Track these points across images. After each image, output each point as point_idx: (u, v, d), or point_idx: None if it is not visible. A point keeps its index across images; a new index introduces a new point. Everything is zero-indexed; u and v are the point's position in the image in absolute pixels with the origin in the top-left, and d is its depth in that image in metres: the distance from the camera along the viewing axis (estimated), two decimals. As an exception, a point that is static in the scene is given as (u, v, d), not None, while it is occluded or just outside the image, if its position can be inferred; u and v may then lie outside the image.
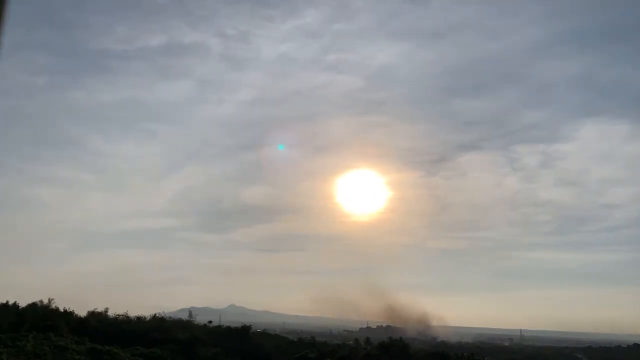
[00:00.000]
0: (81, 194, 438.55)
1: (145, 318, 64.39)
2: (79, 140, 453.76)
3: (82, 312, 63.50)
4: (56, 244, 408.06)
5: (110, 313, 64.25)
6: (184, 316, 71.30)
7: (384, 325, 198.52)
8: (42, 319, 54.72)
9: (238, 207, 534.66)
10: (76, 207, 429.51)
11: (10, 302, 62.63)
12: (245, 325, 63.41)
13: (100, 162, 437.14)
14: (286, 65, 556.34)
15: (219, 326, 69.54)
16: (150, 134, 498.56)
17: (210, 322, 71.28)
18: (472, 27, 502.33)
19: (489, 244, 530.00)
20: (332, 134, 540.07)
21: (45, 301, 62.35)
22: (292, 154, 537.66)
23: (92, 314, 63.02)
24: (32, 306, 61.83)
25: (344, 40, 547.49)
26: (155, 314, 65.92)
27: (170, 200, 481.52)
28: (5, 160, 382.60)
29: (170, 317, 69.48)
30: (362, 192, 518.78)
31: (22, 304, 62.75)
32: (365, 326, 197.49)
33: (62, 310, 61.26)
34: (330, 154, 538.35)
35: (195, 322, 69.10)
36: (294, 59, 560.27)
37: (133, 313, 64.90)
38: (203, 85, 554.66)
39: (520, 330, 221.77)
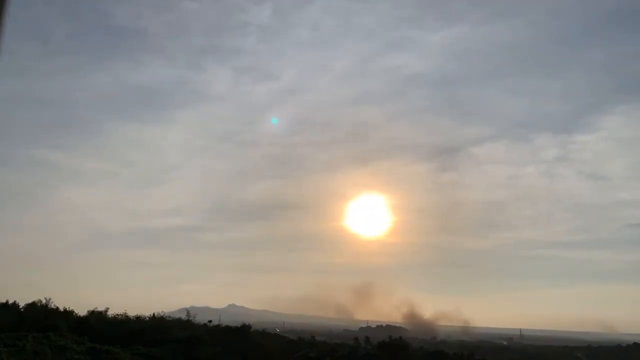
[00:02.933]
0: (88, 187, 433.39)
1: (144, 318, 64.40)
2: (94, 127, 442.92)
3: (81, 312, 63.60)
4: (58, 242, 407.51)
5: (110, 312, 64.32)
6: (184, 316, 71.25)
7: (384, 324, 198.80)
8: (42, 319, 54.72)
9: (242, 204, 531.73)
10: (80, 202, 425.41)
11: (10, 302, 62.70)
12: (244, 324, 63.36)
13: (113, 152, 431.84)
14: (333, 44, 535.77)
15: (219, 325, 69.53)
16: (169, 125, 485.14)
17: (209, 321, 71.28)
18: (503, 13, 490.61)
19: (497, 242, 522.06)
20: (350, 125, 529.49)
21: (45, 301, 62.41)
22: (303, 146, 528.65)
23: (92, 314, 63.04)
24: (32, 306, 61.83)
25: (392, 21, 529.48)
26: (154, 314, 65.98)
27: (175, 198, 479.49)
28: (13, 150, 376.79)
29: (170, 317, 69.45)
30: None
31: (22, 303, 62.83)
32: (365, 326, 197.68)
33: (62, 310, 61.29)
34: (344, 146, 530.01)
35: (195, 322, 69.10)
36: (342, 37, 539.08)
37: (133, 312, 64.97)
38: (242, 68, 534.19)
39: (520, 330, 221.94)
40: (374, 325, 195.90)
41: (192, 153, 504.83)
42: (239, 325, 63.33)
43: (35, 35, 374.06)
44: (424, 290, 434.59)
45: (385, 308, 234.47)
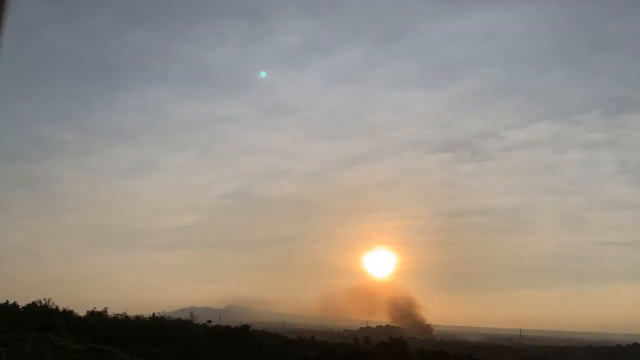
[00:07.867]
0: (100, 178, 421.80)
1: (144, 318, 64.44)
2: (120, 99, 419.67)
3: (81, 312, 63.64)
4: (60, 241, 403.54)
5: (110, 312, 64.38)
6: (184, 316, 71.39)
7: (384, 324, 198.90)
8: (42, 319, 54.74)
9: (247, 203, 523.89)
10: (88, 197, 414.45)
11: (10, 302, 62.77)
12: (244, 324, 63.34)
13: (136, 135, 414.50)
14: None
15: (218, 326, 69.57)
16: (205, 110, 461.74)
17: (209, 321, 71.33)
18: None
19: (514, 242, 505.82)
20: (370, 117, 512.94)
21: (45, 301, 62.49)
22: (315, 141, 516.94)
23: (92, 314, 63.09)
24: (32, 306, 61.92)
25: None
26: (154, 314, 66.00)
27: (183, 196, 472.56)
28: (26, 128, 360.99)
29: (170, 317, 69.49)
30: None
31: (22, 303, 62.91)
32: (365, 325, 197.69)
33: (62, 310, 61.34)
34: (356, 141, 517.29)
35: (195, 322, 69.18)
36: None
37: (132, 312, 65.00)
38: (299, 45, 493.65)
39: (520, 330, 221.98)
40: (374, 325, 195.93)
41: (204, 144, 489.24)
42: (239, 326, 63.36)
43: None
44: (425, 290, 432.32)
45: (384, 308, 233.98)
